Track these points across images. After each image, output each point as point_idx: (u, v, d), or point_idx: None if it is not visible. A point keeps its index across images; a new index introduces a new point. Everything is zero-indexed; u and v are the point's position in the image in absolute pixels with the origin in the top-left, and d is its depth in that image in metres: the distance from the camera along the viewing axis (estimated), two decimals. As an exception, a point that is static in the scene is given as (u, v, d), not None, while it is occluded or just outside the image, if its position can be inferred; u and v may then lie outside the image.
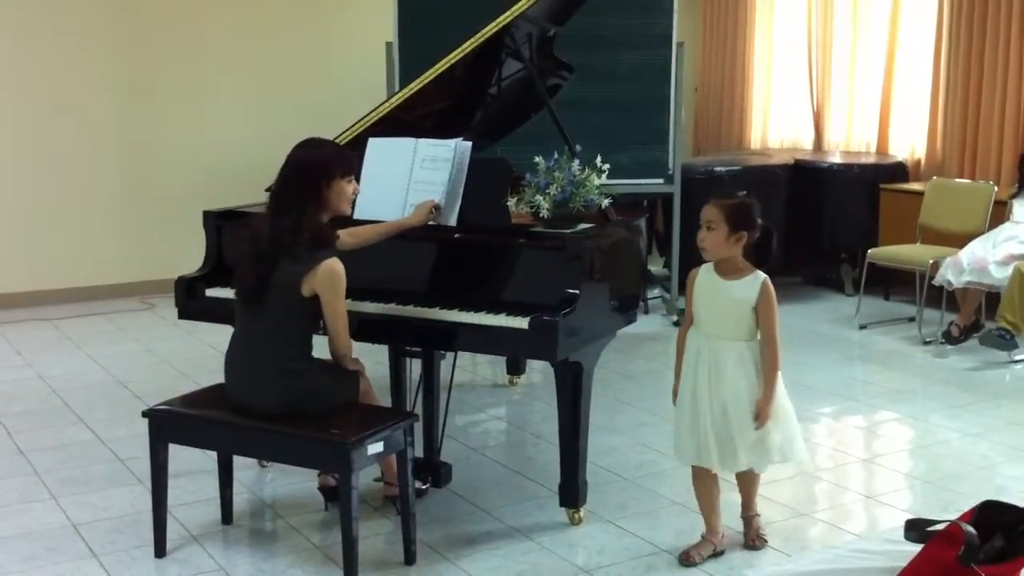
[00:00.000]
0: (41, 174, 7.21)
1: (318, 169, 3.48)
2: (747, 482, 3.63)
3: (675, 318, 6.71)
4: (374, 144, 3.98)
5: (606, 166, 3.84)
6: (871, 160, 7.80)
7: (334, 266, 3.39)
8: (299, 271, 3.36)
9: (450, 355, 4.28)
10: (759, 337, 3.44)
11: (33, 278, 7.23)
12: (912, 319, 6.68)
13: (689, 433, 3.46)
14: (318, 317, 3.48)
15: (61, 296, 7.28)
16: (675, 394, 3.55)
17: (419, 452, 3.91)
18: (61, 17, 7.16)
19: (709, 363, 3.41)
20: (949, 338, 6.16)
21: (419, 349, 4.04)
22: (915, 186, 7.31)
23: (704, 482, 3.56)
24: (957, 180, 7.03)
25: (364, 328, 3.60)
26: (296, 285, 3.36)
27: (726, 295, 3.42)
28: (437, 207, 3.77)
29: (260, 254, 3.42)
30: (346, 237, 3.58)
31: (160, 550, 3.58)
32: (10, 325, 6.72)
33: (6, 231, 7.14)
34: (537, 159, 3.82)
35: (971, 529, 2.17)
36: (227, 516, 3.85)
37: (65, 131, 7.25)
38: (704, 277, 3.47)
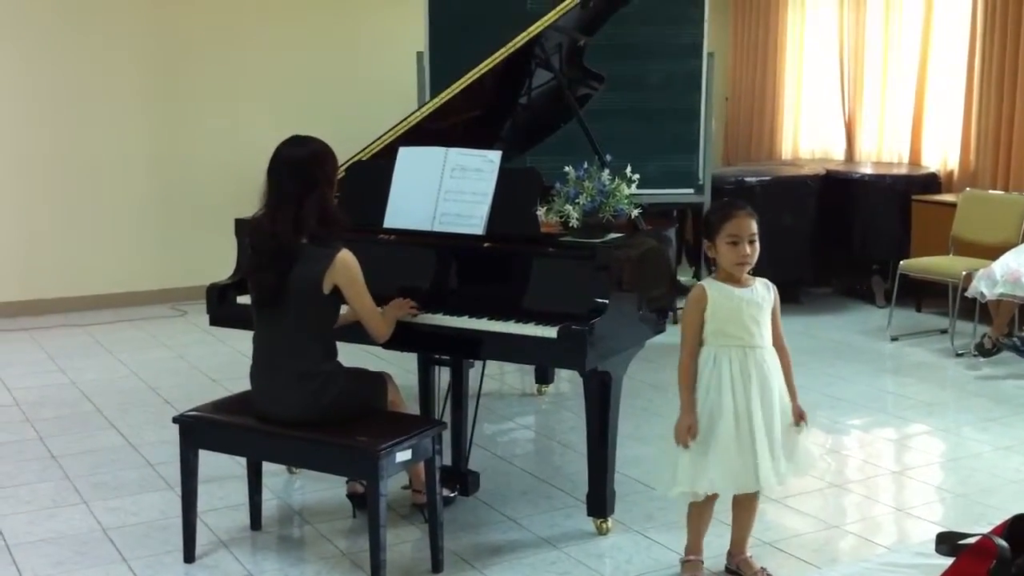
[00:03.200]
0: (74, 181, 7.29)
1: (315, 163, 3.45)
2: (749, 514, 3.46)
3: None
4: (404, 153, 3.99)
5: (636, 176, 3.84)
6: (903, 171, 7.75)
7: (347, 256, 3.40)
8: (318, 269, 3.37)
9: (479, 364, 4.29)
10: (771, 340, 3.35)
11: (66, 284, 7.30)
12: (944, 331, 6.62)
13: (739, 460, 3.24)
14: (337, 313, 3.49)
15: (93, 302, 7.34)
16: (693, 431, 3.28)
17: (447, 460, 3.92)
18: (94, 24, 7.24)
19: (756, 376, 3.26)
20: (982, 350, 6.12)
21: (448, 357, 4.05)
22: (948, 197, 7.25)
23: (710, 507, 3.41)
24: (990, 191, 6.97)
25: (393, 336, 3.61)
26: (318, 283, 3.37)
27: (752, 303, 3.30)
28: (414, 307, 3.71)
29: (270, 258, 3.40)
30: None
31: (189, 555, 3.60)
32: (43, 331, 6.79)
33: (39, 237, 7.22)
34: (567, 169, 3.82)
35: (1003, 543, 2.15)
36: (256, 522, 3.87)
37: (98, 138, 7.33)
38: (719, 292, 3.29)
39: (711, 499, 3.39)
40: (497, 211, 3.77)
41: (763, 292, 3.34)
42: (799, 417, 3.35)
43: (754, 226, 3.28)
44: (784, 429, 3.32)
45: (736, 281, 3.32)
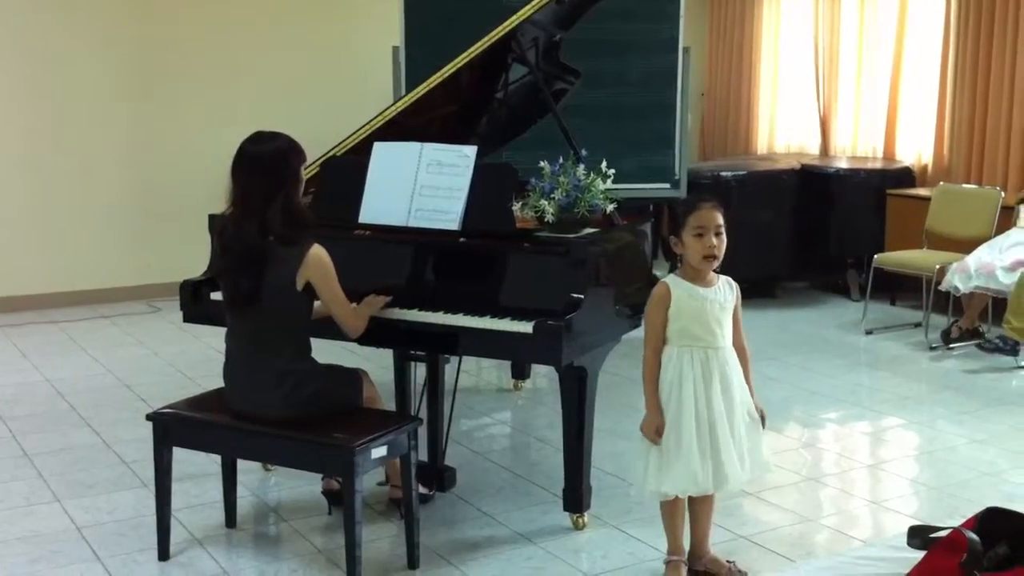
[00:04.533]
0: (48, 177, 7.23)
1: (279, 160, 3.41)
2: (708, 512, 3.43)
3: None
4: (379, 148, 3.97)
5: (611, 171, 3.84)
6: (878, 165, 7.80)
7: (319, 252, 3.38)
8: (291, 266, 3.34)
9: (455, 359, 4.28)
10: (732, 339, 3.33)
11: (40, 281, 7.25)
12: (918, 324, 6.66)
13: (701, 461, 3.22)
14: (311, 310, 3.46)
15: (67, 299, 7.29)
16: (661, 430, 3.25)
17: (423, 456, 3.92)
18: (70, 20, 7.19)
19: (718, 377, 3.25)
20: (946, 338, 6.22)
21: (424, 353, 4.04)
22: (922, 191, 7.31)
23: (681, 502, 3.37)
24: (964, 185, 7.02)
25: (369, 332, 3.60)
26: (291, 281, 3.35)
27: (715, 303, 3.26)
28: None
29: (240, 260, 3.37)
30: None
31: (164, 553, 3.58)
32: (17, 328, 6.74)
33: (13, 234, 7.16)
34: (542, 164, 3.82)
35: (974, 536, 2.17)
36: (231, 519, 3.85)
37: (73, 134, 7.28)
38: (683, 291, 3.25)
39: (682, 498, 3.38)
40: (473, 206, 3.76)
41: (726, 291, 3.32)
42: (761, 415, 3.35)
43: (720, 218, 3.24)
44: (750, 427, 3.32)
45: (701, 278, 3.29)
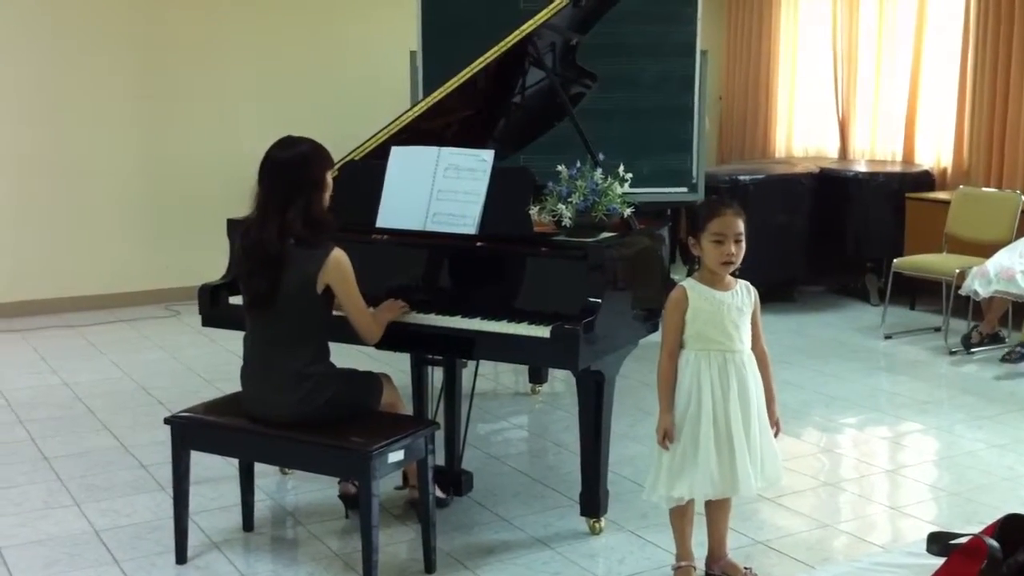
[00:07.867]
0: (65, 181, 7.26)
1: (301, 166, 3.43)
2: (725, 515, 3.43)
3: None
4: (397, 153, 3.98)
5: (628, 175, 3.83)
6: (897, 169, 7.76)
7: (339, 256, 3.39)
8: (311, 270, 3.35)
9: (472, 363, 4.28)
10: (751, 343, 3.30)
11: (58, 285, 7.28)
12: (938, 329, 6.63)
13: (718, 465, 3.21)
14: (330, 313, 3.47)
15: (86, 303, 7.32)
16: (669, 434, 3.25)
17: (440, 460, 3.92)
18: (85, 23, 7.22)
19: (735, 381, 3.22)
20: (967, 343, 6.19)
21: (441, 357, 4.04)
22: (941, 195, 7.27)
23: (690, 507, 3.36)
24: (984, 189, 6.98)
25: (386, 336, 3.60)
26: (311, 284, 3.36)
27: (733, 307, 3.24)
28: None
29: (260, 263, 3.38)
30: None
31: (181, 556, 3.59)
32: (35, 332, 6.77)
33: (31, 238, 7.20)
34: (559, 168, 3.82)
35: (994, 543, 2.15)
36: (248, 523, 3.86)
37: (89, 137, 7.31)
38: (700, 295, 3.24)
39: (691, 503, 3.37)
40: (490, 210, 3.76)
41: (744, 295, 3.29)
42: (775, 425, 3.34)
43: (740, 225, 3.21)
44: (759, 436, 3.28)
45: (719, 282, 3.27)
